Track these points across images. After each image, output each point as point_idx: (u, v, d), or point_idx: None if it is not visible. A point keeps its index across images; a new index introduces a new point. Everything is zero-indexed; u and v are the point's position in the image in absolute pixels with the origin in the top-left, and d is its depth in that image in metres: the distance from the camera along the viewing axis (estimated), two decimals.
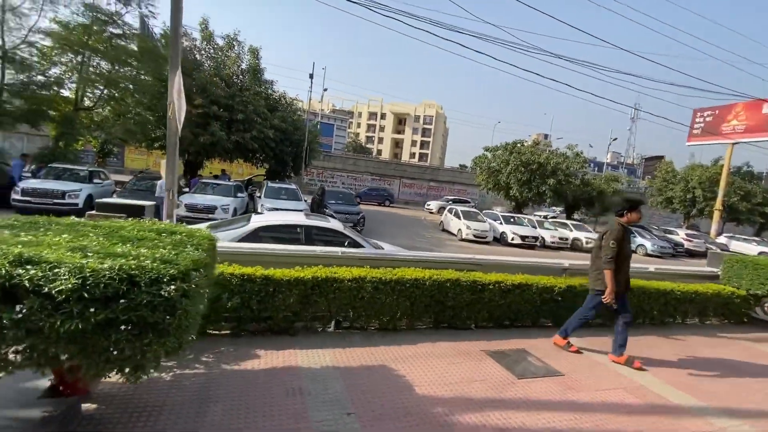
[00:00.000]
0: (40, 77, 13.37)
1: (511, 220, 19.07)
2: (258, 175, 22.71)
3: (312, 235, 6.25)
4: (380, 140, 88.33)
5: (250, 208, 15.13)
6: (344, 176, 35.42)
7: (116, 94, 15.28)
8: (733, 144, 29.14)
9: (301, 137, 19.15)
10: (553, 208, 30.40)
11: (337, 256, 4.68)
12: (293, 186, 15.66)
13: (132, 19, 15.41)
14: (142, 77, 15.27)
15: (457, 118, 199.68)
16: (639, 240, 21.46)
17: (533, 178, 21.88)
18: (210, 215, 12.14)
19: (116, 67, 14.76)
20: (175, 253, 2.00)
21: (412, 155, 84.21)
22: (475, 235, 16.97)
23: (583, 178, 23.61)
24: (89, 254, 1.82)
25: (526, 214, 23.25)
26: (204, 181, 14.44)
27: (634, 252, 21.15)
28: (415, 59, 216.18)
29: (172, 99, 5.03)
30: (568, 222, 21.00)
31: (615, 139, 45.50)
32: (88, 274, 1.64)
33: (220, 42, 17.64)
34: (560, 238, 18.74)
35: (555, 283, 4.69)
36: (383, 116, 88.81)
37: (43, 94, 13.51)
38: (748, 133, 28.10)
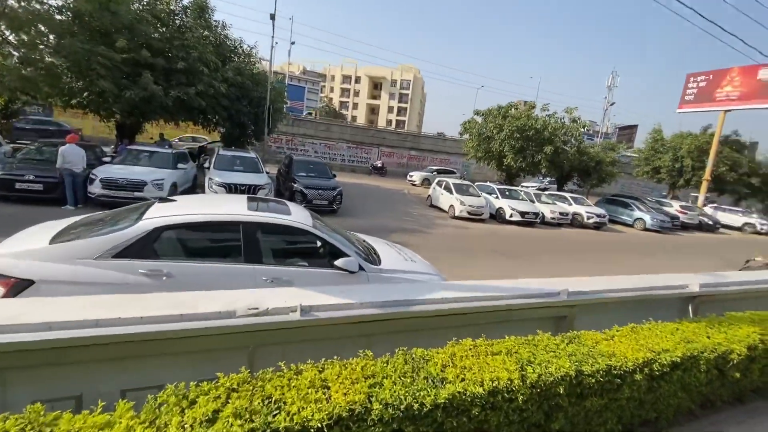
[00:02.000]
0: None
1: (507, 193, 16.94)
2: (214, 142, 19.31)
3: (257, 241, 3.65)
4: (355, 106, 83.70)
5: (200, 183, 12.15)
6: (317, 144, 32.08)
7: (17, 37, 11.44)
8: (726, 111, 27.95)
9: (263, 95, 15.86)
10: (541, 178, 28.64)
11: (288, 323, 2.09)
12: (251, 154, 12.66)
13: None
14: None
15: (437, 82, 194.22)
16: (636, 213, 20.02)
17: (528, 145, 19.65)
18: (136, 194, 9.17)
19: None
20: None
21: (389, 122, 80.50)
22: (470, 212, 14.73)
23: (579, 147, 21.65)
24: None
25: (516, 186, 21.23)
26: (133, 148, 11.22)
27: (632, 227, 19.76)
28: (391, 19, 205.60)
29: None
30: (567, 195, 19.14)
31: (612, 104, 43.65)
32: None
33: None
34: (561, 214, 16.84)
35: (731, 346, 2.40)
36: (358, 80, 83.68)
37: None
38: (742, 101, 26.82)
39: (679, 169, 30.09)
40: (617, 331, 2.30)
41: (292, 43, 35.16)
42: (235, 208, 3.81)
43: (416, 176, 27.16)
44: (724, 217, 26.59)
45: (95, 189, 8.91)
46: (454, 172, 28.73)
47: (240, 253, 3.51)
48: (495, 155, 20.93)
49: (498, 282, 2.73)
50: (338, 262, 3.67)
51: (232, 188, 10.36)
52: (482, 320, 2.23)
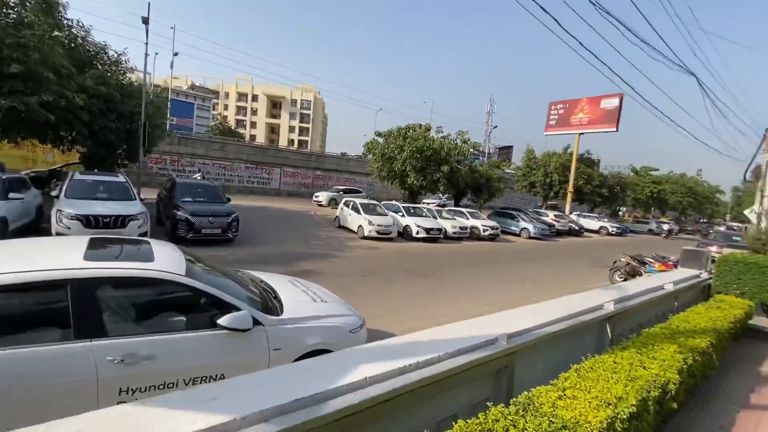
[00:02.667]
0: None
1: (412, 211, 17.33)
2: (72, 164, 15.92)
3: (97, 305, 2.60)
4: (253, 124, 79.76)
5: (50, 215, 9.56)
6: (210, 164, 29.14)
7: None
8: (580, 134, 33.62)
9: (137, 109, 13.56)
10: (440, 195, 30.43)
11: None
12: (120, 178, 10.53)
13: None
14: None
15: (338, 103, 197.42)
16: (522, 224, 22.33)
17: (428, 165, 20.61)
18: None
19: None
20: None
21: (291, 142, 78.43)
22: (378, 232, 14.55)
23: (470, 165, 23.54)
24: None
25: (418, 204, 22.05)
26: None
27: (519, 236, 21.95)
28: (289, 38, 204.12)
29: None
30: (464, 210, 20.45)
31: (495, 127, 48.89)
32: None
33: None
34: (461, 228, 17.82)
35: (666, 375, 2.28)
36: (255, 98, 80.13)
37: None
38: (591, 125, 32.59)
39: (549, 183, 35.01)
40: (565, 380, 2.00)
41: (175, 54, 31.68)
42: (63, 259, 2.68)
43: (322, 196, 26.41)
44: (586, 223, 31.56)
45: None
46: (360, 192, 28.74)
47: (68, 325, 2.42)
48: (398, 174, 21.46)
49: (426, 334, 2.24)
50: (224, 320, 2.82)
51: (91, 221, 8.35)
52: (417, 400, 1.69)
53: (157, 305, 2.92)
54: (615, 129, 31.05)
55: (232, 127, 66.58)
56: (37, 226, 9.46)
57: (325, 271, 9.06)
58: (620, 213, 50.38)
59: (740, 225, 62.46)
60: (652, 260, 10.67)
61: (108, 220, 8.54)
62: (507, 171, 39.57)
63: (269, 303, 3.50)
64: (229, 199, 12.15)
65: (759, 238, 8.07)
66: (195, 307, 2.99)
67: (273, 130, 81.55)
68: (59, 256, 2.75)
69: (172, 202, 10.88)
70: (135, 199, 9.90)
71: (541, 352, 2.34)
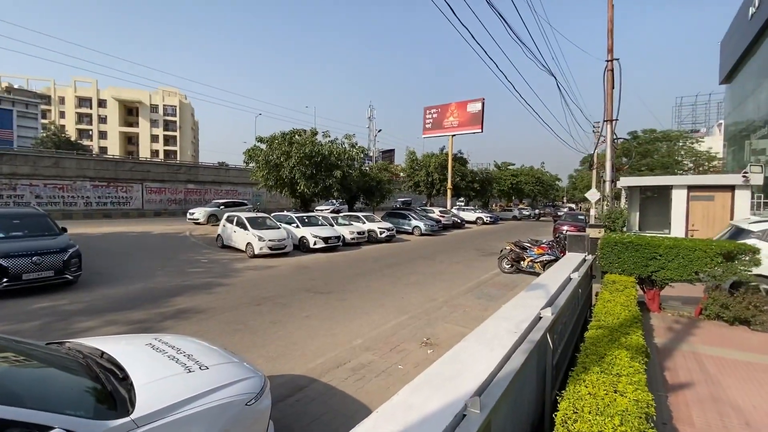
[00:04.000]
0: None
1: (307, 220, 16.27)
2: None
3: None
4: (102, 135, 67.16)
5: None
6: (40, 186, 22.99)
7: None
8: (452, 136, 36.83)
9: None
10: (333, 201, 29.81)
11: None
12: None
13: None
14: None
15: (211, 109, 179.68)
16: (413, 222, 23.19)
17: (318, 171, 19.74)
18: None
19: None
20: None
21: (155, 153, 68.38)
22: (271, 248, 13.12)
23: (361, 169, 23.48)
24: None
25: (312, 212, 21.08)
26: None
27: (412, 234, 22.74)
28: (141, 36, 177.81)
29: None
30: (359, 214, 20.19)
31: (380, 130, 49.91)
32: None
33: None
34: (359, 233, 17.45)
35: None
36: (102, 103, 67.49)
37: None
38: (461, 127, 35.96)
39: (431, 182, 37.52)
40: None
41: None
42: None
43: (199, 213, 23.21)
44: (465, 215, 34.68)
45: None
46: (245, 204, 26.22)
47: None
48: (287, 182, 20.05)
49: (372, 425, 1.51)
50: None
51: None
52: None
53: None
54: (480, 130, 34.85)
55: (73, 139, 54.60)
56: None
57: (207, 306, 7.52)
58: (491, 204, 57.41)
59: (574, 206, 77.32)
60: (529, 245, 11.84)
61: None
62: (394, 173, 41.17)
63: (111, 395, 2.30)
64: (64, 230, 9.33)
65: (609, 216, 9.60)
66: None
67: (130, 140, 69.96)
68: None
69: None
70: None
71: (506, 396, 1.82)
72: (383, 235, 18.67)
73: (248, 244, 13.28)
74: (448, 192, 36.29)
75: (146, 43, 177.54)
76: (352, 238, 16.98)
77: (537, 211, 44.51)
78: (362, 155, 23.14)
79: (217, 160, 47.81)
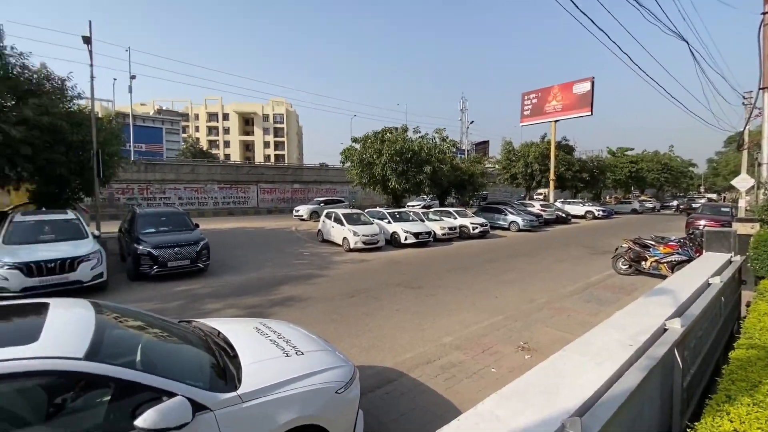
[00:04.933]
0: None
1: (398, 216, 16.54)
2: (22, 204, 14.50)
3: None
4: (226, 144, 77.94)
5: None
6: (181, 189, 27.75)
7: None
8: (555, 121, 33.59)
9: (87, 137, 12.37)
10: (424, 196, 29.77)
11: None
12: (69, 215, 9.38)
13: None
14: None
15: (312, 114, 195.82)
16: (510, 217, 21.81)
17: (409, 167, 19.90)
18: None
19: None
20: None
21: (267, 157, 76.90)
22: (365, 243, 13.68)
23: (452, 163, 22.96)
24: None
25: (404, 208, 21.34)
26: None
27: (508, 229, 21.42)
28: (253, 52, 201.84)
29: None
30: (450, 209, 19.77)
31: (472, 122, 48.37)
32: None
33: None
34: (450, 229, 17.11)
35: None
36: (226, 117, 78.37)
37: None
38: (566, 111, 32.59)
39: (530, 173, 34.82)
40: None
41: (132, 77, 30.14)
42: None
43: (303, 210, 25.40)
44: (571, 209, 31.40)
45: None
46: (342, 201, 27.84)
47: None
48: (379, 180, 20.68)
49: None
50: (143, 420, 1.92)
51: (33, 269, 7.24)
52: None
53: (45, 408, 2.00)
54: (590, 113, 31.12)
55: (204, 149, 64.70)
56: None
57: (308, 295, 8.15)
58: (604, 196, 50.98)
59: (715, 196, 64.16)
60: (653, 243, 10.14)
61: (53, 265, 7.44)
62: (487, 165, 39.35)
63: (224, 371, 2.60)
64: (197, 225, 11.09)
65: (766, 207, 7.60)
66: (108, 402, 2.08)
67: (248, 147, 79.88)
68: None
69: (133, 235, 9.77)
70: (87, 236, 8.79)
71: (616, 421, 1.53)
72: (476, 231, 17.98)
73: (344, 238, 14.05)
74: (551, 183, 33.27)
75: (258, 58, 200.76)
76: (443, 234, 16.72)
77: (659, 203, 37.81)
78: (453, 149, 22.61)
79: (319, 162, 51.69)
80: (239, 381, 2.52)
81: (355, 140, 21.75)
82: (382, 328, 6.23)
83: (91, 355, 2.02)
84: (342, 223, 14.46)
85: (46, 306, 2.54)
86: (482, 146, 76.95)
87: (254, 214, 30.25)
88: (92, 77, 12.85)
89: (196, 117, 79.53)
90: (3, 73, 11.46)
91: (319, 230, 16.30)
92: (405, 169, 19.88)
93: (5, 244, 7.87)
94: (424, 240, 15.20)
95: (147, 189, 26.20)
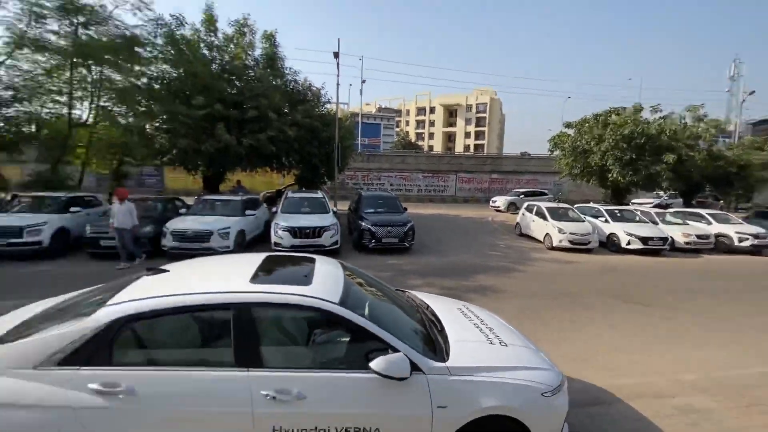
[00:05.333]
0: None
1: (619, 215, 13.82)
2: (290, 186, 19.78)
3: (255, 332, 2.46)
4: (431, 135, 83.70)
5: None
6: (392, 176, 31.69)
7: (114, 107, 13.00)
8: None
9: (332, 134, 15.70)
10: (659, 193, 23.73)
11: None
12: (318, 194, 12.18)
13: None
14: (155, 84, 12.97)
15: (518, 99, 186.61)
16: None
17: (640, 155, 16.20)
18: (203, 244, 9.02)
19: (130, 78, 12.40)
20: None
21: (466, 147, 78.29)
22: (572, 242, 12.13)
23: (710, 150, 17.28)
24: None
25: (626, 205, 17.63)
26: (206, 197, 11.48)
27: None
28: (462, 43, 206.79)
29: None
30: (702, 211, 15.05)
31: (751, 93, 35.08)
32: None
33: (229, 31, 14.78)
34: (699, 237, 13.06)
35: None
36: (432, 110, 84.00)
37: (26, 114, 11.60)
38: None
39: None
40: None
41: (363, 81, 36.25)
42: (231, 281, 2.70)
43: (500, 201, 24.71)
44: None
45: (167, 242, 8.98)
46: (545, 194, 25.57)
47: (229, 351, 2.35)
48: (595, 170, 17.79)
49: None
50: (375, 364, 2.29)
51: (296, 232, 9.79)
52: None
53: (308, 336, 2.64)
54: None
55: (413, 141, 71.59)
56: (264, 237, 11.85)
57: (504, 288, 7.89)
58: None
59: None
60: None
61: (308, 231, 9.84)
62: None
63: (433, 342, 2.81)
64: (405, 209, 12.45)
65: None
66: (347, 342, 2.58)
67: (450, 138, 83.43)
68: (230, 278, 2.80)
69: (358, 213, 11.85)
70: (329, 212, 11.20)
71: None
72: (744, 244, 13.12)
73: (546, 234, 12.87)
74: None
75: (465, 48, 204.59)
76: (687, 243, 12.95)
77: None
78: (713, 131, 17.01)
79: (519, 151, 48.95)
80: (447, 354, 2.67)
81: (568, 125, 19.38)
82: (591, 342, 5.40)
83: (342, 302, 2.54)
84: (545, 218, 13.25)
85: (312, 260, 3.36)
86: (763, 126, 55.28)
87: (451, 202, 31.51)
88: (338, 84, 16.16)
89: (407, 112, 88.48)
90: (284, 88, 15.75)
91: (517, 223, 15.48)
92: (633, 158, 16.34)
93: (282, 213, 10.94)
94: (655, 247, 12.20)
95: (367, 176, 31.18)
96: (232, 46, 14.75)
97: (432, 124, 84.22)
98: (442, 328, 3.09)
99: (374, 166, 31.62)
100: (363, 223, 10.98)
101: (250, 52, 14.83)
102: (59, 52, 11.59)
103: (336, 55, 15.26)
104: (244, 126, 13.22)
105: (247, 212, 10.72)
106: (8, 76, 11.49)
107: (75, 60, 11.78)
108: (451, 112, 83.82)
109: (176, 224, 9.23)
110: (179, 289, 2.51)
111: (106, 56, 11.70)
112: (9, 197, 11.75)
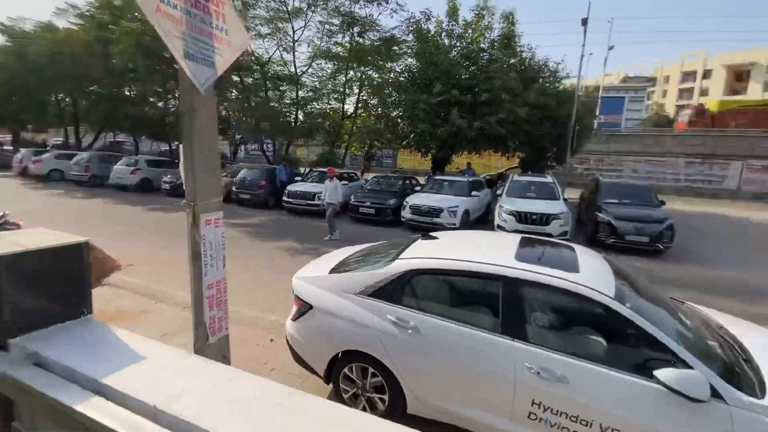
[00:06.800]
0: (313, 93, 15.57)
1: None
2: (512, 168, 19.28)
3: (521, 307, 2.62)
4: None
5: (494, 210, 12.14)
6: (639, 162, 26.00)
7: (373, 101, 16.00)
8: None
9: (569, 112, 14.15)
10: None
11: None
12: (548, 179, 11.36)
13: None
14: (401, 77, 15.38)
15: None
16: None
17: None
18: (434, 219, 10.10)
19: (384, 75, 15.32)
20: None
21: None
22: None
23: None
24: None
25: None
26: (437, 177, 12.61)
27: None
28: None
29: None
30: None
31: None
32: None
33: (469, 17, 15.31)
34: None
35: None
36: (706, 74, 62.81)
37: (318, 109, 15.79)
38: None
39: None
40: None
41: (610, 48, 30.41)
42: (498, 256, 2.90)
43: None
44: None
45: (406, 214, 10.51)
46: None
47: (496, 320, 2.58)
48: None
49: None
50: (665, 375, 2.02)
51: (522, 217, 9.54)
52: None
53: (575, 324, 2.57)
54: None
55: (671, 116, 56.13)
56: (485, 218, 12.10)
57: None
58: None
59: None
60: None
61: (535, 217, 9.42)
62: None
63: (737, 369, 2.23)
64: (662, 203, 10.06)
65: None
66: (620, 342, 2.37)
67: None
68: (496, 254, 3.02)
69: (594, 203, 10.40)
70: (559, 199, 10.35)
71: None
72: None
73: None
74: None
75: None
76: None
77: None
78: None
79: None
80: (762, 390, 2.08)
81: None
82: None
83: (619, 298, 2.34)
84: None
85: (573, 248, 3.21)
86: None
87: (730, 198, 23.29)
88: (582, 56, 14.33)
89: (666, 80, 69.60)
90: (519, 67, 15.15)
91: None
92: None
93: (507, 196, 10.85)
94: None
95: (603, 161, 26.74)
96: (470, 31, 15.28)
97: (704, 93, 63.28)
98: (749, 357, 2.41)
99: (613, 149, 26.76)
100: (601, 215, 9.57)
101: (486, 34, 14.98)
102: (340, 59, 15.07)
103: (584, 21, 13.43)
104: (475, 109, 13.66)
105: (473, 193, 11.20)
106: (310, 81, 15.91)
107: (349, 64, 15.05)
108: (738, 75, 60.49)
109: (413, 200, 10.65)
110: (454, 255, 2.92)
111: (369, 57, 14.42)
112: (306, 171, 16.44)
